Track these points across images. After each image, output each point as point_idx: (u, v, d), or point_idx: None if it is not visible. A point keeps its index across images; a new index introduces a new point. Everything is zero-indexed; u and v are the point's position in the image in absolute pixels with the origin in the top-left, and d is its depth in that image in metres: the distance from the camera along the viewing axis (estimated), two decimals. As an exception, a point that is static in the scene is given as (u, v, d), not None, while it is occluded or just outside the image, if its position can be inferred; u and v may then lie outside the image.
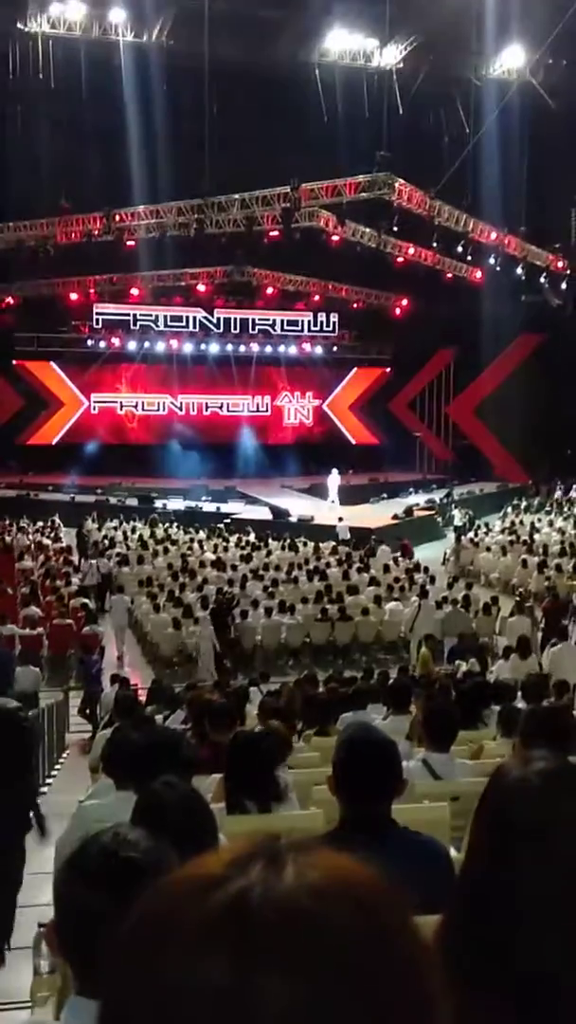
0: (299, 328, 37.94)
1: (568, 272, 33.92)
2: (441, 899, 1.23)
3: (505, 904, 1.09)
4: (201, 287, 35.02)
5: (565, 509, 30.81)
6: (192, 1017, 0.49)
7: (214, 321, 36.63)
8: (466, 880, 1.21)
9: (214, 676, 14.98)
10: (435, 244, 31.29)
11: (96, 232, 30.52)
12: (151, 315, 36.02)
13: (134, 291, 34.97)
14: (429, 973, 0.55)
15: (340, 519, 25.78)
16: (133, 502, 29.43)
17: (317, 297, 37.39)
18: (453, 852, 3.09)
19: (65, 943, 1.45)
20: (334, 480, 29.68)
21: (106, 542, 23.18)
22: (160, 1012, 0.50)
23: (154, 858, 1.41)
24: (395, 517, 27.26)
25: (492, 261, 32.67)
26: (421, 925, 0.59)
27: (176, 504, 29.43)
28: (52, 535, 24.90)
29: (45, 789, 9.02)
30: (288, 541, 23.40)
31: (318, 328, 38.06)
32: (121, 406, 36.85)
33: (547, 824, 1.12)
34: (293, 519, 26.68)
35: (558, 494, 32.59)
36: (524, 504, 32.03)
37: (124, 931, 0.55)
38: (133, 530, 25.07)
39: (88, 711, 13.12)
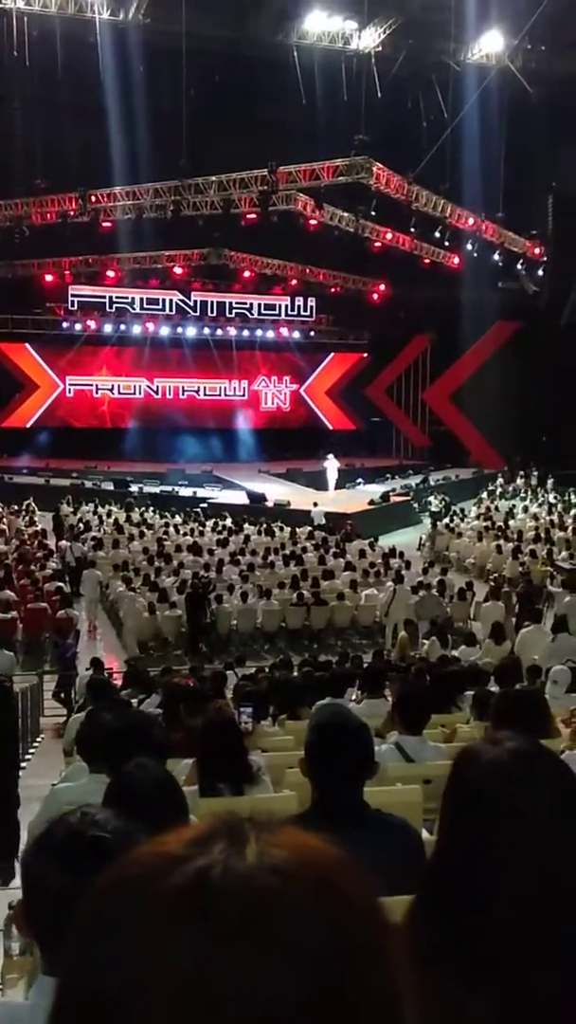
0: (276, 312, 37.81)
1: (544, 259, 34.02)
2: (413, 881, 1.23)
3: (481, 885, 1.09)
4: (178, 270, 34.82)
5: (540, 495, 31.05)
6: (152, 997, 0.48)
7: (191, 304, 36.42)
8: (439, 862, 1.22)
9: (133, 650, 15.24)
10: (413, 229, 31.26)
11: (72, 213, 30.23)
12: (127, 297, 35.76)
13: (110, 273, 34.71)
14: (393, 954, 0.55)
15: (315, 504, 25.81)
16: (109, 486, 29.29)
17: (294, 281, 37.29)
18: (425, 834, 3.11)
19: (33, 923, 1.45)
20: (332, 465, 29.58)
21: (81, 525, 23.08)
22: (119, 992, 0.49)
23: (122, 838, 1.40)
24: (371, 503, 27.32)
25: (469, 247, 32.70)
26: (390, 907, 0.58)
27: (152, 488, 29.33)
28: (27, 519, 24.75)
29: (20, 773, 8.99)
30: (264, 526, 23.40)
31: (295, 312, 37.95)
32: (97, 389, 36.62)
33: (524, 804, 1.12)
34: (270, 504, 26.67)
35: (534, 480, 32.85)
36: (499, 490, 32.22)
37: (82, 909, 0.54)
38: (108, 514, 24.97)
39: (63, 695, 13.09)
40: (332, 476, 29.33)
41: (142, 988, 0.48)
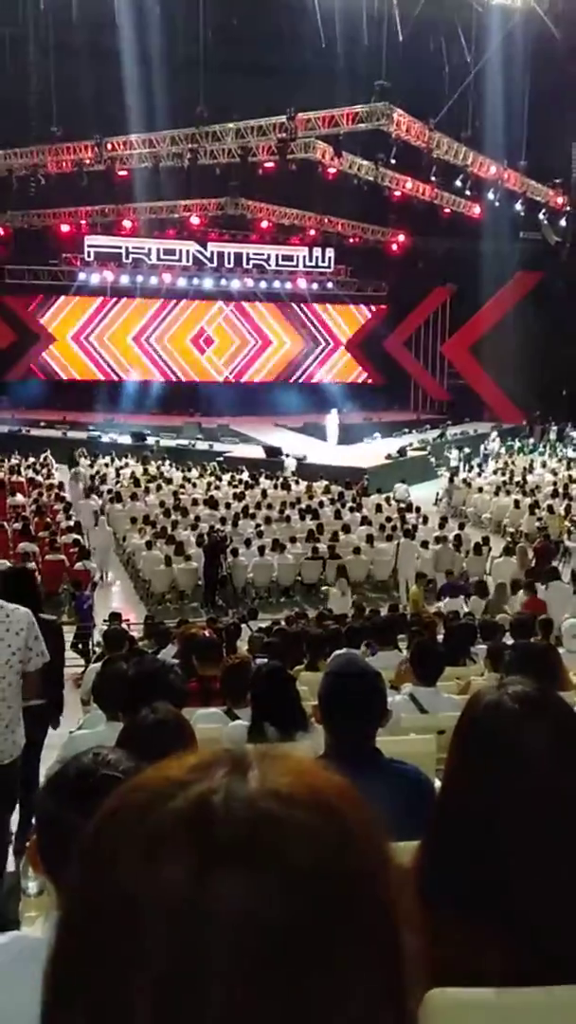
0: (294, 263, 37.38)
1: (568, 209, 33.36)
2: (424, 826, 1.25)
3: (483, 822, 1.10)
4: (195, 219, 34.40)
5: (559, 450, 30.83)
6: (151, 916, 0.49)
7: (207, 255, 36.06)
8: (444, 800, 1.23)
9: (105, 569, 16.37)
10: (433, 178, 30.69)
11: (88, 161, 29.84)
12: (144, 248, 35.44)
13: (126, 223, 34.34)
14: (394, 883, 0.55)
15: (287, 454, 25.74)
16: (126, 439, 29.33)
17: (313, 231, 36.78)
18: (438, 784, 3.14)
19: (46, 860, 1.48)
20: (333, 420, 29.59)
21: (98, 479, 23.17)
22: (119, 914, 0.50)
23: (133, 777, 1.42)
24: (388, 457, 27.24)
25: (491, 196, 32.10)
26: (401, 850, 0.59)
27: (168, 442, 29.34)
28: (44, 471, 24.86)
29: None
30: (281, 480, 23.40)
31: (313, 263, 37.51)
32: (113, 341, 36.45)
33: (521, 742, 1.13)
34: (287, 457, 26.64)
35: (552, 435, 32.57)
36: (518, 445, 32.00)
37: (85, 836, 0.55)
38: (125, 466, 25.06)
39: (80, 646, 13.23)
40: (332, 431, 29.31)
41: (141, 907, 0.49)
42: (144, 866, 0.50)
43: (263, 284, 36.86)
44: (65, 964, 0.52)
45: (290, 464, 25.05)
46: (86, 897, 0.53)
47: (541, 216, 33.25)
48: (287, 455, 25.82)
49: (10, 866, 4.79)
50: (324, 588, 15.79)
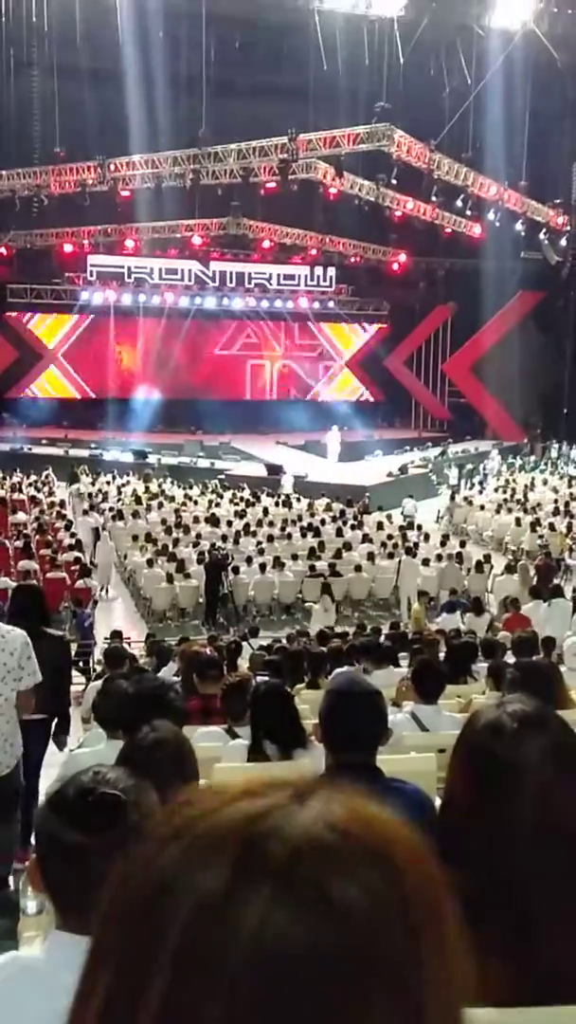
0: (295, 282, 37.57)
1: (568, 228, 33.56)
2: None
3: (482, 840, 1.10)
4: (197, 239, 34.60)
5: (560, 468, 30.86)
6: (176, 913, 0.49)
7: (209, 274, 36.25)
8: (444, 819, 1.22)
9: (107, 585, 16.66)
10: (434, 198, 30.90)
11: (91, 182, 30.07)
12: (146, 267, 35.63)
13: (129, 243, 34.54)
14: (446, 945, 0.52)
15: (283, 471, 25.71)
16: (127, 457, 29.37)
17: (314, 251, 36.98)
18: (438, 802, 3.12)
19: (47, 879, 1.48)
20: (334, 437, 29.62)
21: (99, 496, 23.19)
22: (153, 900, 0.51)
23: (132, 795, 1.42)
24: (390, 475, 27.27)
25: (492, 216, 32.30)
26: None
27: (170, 459, 29.38)
28: (46, 489, 24.89)
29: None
30: (282, 497, 23.42)
31: (315, 282, 37.70)
32: (115, 359, 36.56)
33: (519, 761, 1.12)
34: (287, 475, 26.65)
35: (553, 453, 32.61)
36: (519, 463, 32.03)
37: (149, 819, 0.57)
38: (126, 484, 25.09)
39: (81, 663, 13.19)
40: (333, 448, 29.34)
41: (168, 905, 0.50)
42: (183, 866, 0.51)
43: (264, 303, 37.03)
44: (100, 936, 0.54)
45: (287, 482, 25.00)
46: (120, 887, 0.54)
47: (542, 236, 33.44)
48: (285, 473, 25.82)
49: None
50: (307, 605, 15.75)
